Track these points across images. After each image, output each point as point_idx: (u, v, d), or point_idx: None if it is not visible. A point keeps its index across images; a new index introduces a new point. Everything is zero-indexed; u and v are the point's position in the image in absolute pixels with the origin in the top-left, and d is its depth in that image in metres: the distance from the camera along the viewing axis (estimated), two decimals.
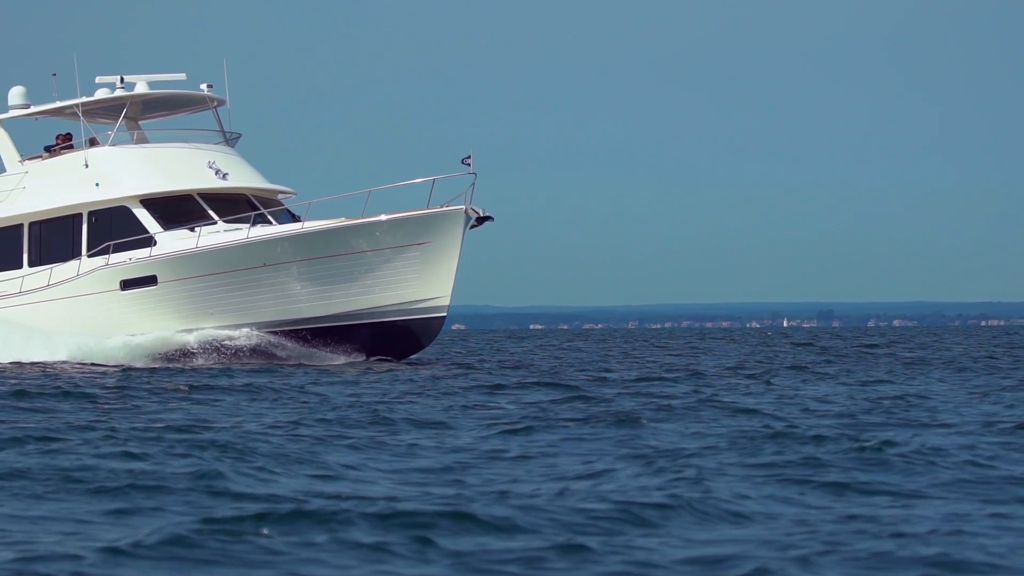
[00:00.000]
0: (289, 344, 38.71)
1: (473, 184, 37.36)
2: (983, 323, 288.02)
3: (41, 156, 42.92)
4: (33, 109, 43.50)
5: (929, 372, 34.58)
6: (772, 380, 30.11)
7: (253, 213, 40.14)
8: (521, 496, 12.74)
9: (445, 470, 14.92)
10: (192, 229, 39.93)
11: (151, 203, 40.47)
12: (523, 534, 11.18)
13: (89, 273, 40.18)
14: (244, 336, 38.67)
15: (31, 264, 42.02)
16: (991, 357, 45.39)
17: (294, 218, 41.35)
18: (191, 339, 38.67)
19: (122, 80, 42.25)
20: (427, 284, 37.99)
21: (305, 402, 24.01)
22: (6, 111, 43.56)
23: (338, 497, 12.71)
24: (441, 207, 37.61)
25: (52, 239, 41.72)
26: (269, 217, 40.33)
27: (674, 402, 23.13)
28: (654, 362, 42.31)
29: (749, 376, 32.23)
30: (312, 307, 38.66)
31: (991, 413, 21.27)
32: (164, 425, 19.28)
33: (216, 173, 41.23)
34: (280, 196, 42.35)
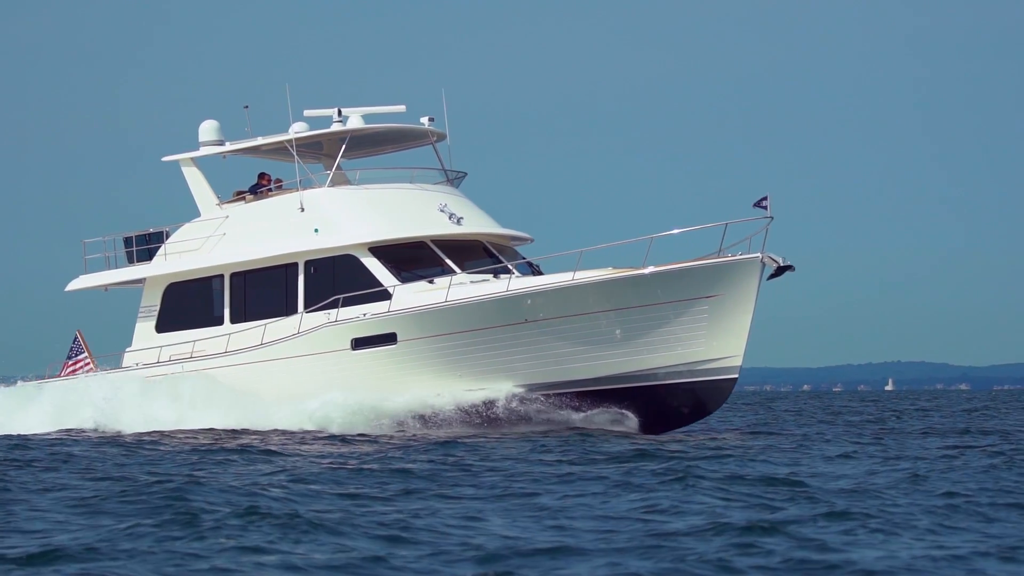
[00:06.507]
0: (553, 409, 34.09)
1: (766, 229, 32.86)
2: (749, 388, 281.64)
3: (244, 198, 38.12)
4: (230, 147, 38.74)
5: None
6: None
7: (497, 264, 35.62)
8: None
9: None
10: (431, 280, 35.30)
11: (380, 251, 35.82)
12: None
13: (314, 331, 35.37)
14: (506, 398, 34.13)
15: (234, 320, 37.23)
16: None
17: (532, 267, 36.83)
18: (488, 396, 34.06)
19: (339, 113, 37.52)
20: (716, 342, 33.38)
21: None
22: (197, 148, 38.85)
23: None
24: (733, 255, 33.10)
25: (260, 291, 36.91)
26: (511, 267, 35.73)
27: None
28: None
29: None
30: (581, 368, 33.97)
31: None
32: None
33: (450, 217, 36.62)
34: (514, 243, 37.80)
